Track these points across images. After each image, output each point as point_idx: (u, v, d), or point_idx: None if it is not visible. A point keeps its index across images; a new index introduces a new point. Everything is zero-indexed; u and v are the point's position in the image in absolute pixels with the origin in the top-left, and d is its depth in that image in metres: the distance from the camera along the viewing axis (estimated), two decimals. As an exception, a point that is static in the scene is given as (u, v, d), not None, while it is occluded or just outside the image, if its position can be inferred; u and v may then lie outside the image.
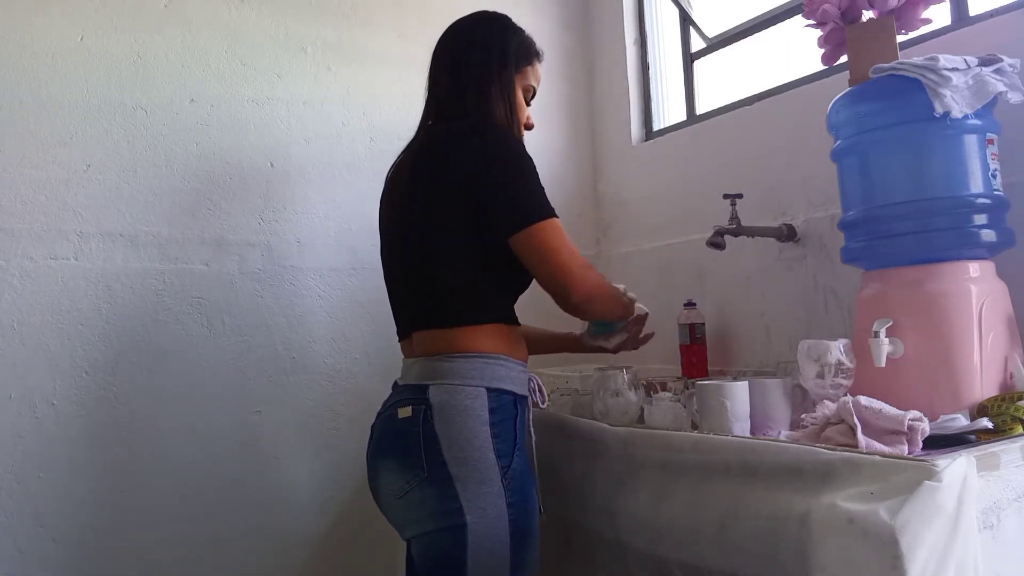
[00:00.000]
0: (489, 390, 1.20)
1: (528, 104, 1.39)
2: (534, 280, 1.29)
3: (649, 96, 2.36)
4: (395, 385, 1.33)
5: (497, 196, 1.21)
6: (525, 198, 1.22)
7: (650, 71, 2.37)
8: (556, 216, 1.23)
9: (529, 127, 1.40)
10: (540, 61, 1.41)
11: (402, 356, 1.37)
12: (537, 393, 1.33)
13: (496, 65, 1.33)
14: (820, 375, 1.25)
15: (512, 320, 1.30)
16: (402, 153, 1.38)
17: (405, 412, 1.20)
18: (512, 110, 1.33)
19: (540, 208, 1.22)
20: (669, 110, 2.34)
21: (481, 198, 1.21)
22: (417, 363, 1.26)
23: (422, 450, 1.17)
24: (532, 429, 1.33)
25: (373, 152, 2.04)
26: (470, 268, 1.24)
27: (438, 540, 1.16)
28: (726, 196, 1.78)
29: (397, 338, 1.38)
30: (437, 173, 1.24)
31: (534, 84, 1.39)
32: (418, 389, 1.21)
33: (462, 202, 1.22)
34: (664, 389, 1.51)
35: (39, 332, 1.60)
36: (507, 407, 1.22)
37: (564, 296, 1.23)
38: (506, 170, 1.22)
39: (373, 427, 1.31)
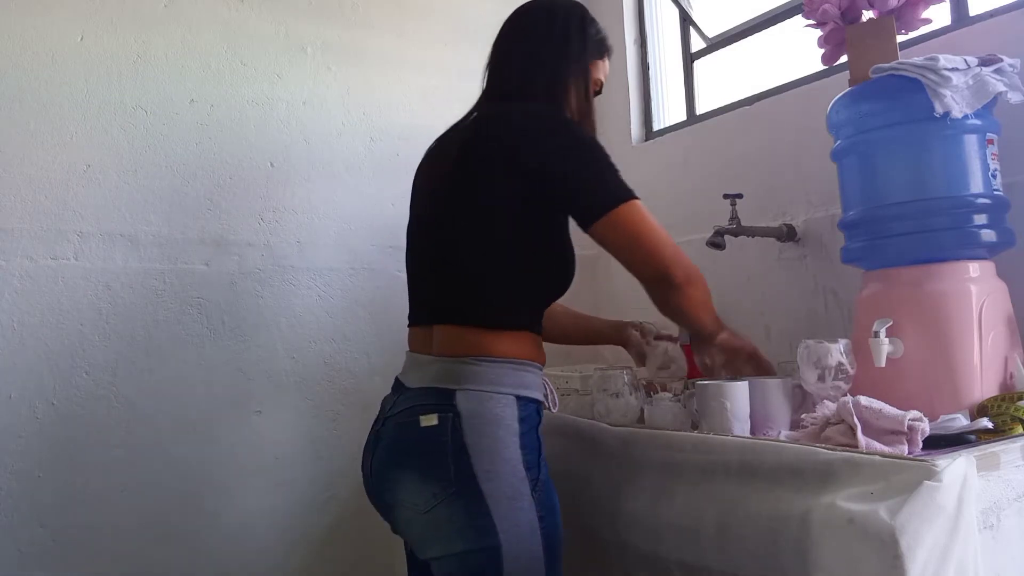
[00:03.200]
0: (518, 398, 1.13)
1: (596, 95, 1.32)
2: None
3: (649, 96, 2.36)
4: (401, 385, 1.23)
5: (573, 185, 1.14)
6: (603, 183, 1.14)
7: (650, 71, 2.36)
8: (636, 197, 1.14)
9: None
10: (609, 56, 1.34)
11: (407, 349, 1.28)
12: (549, 397, 1.27)
13: (575, 54, 1.26)
14: (821, 378, 1.24)
15: (539, 329, 1.23)
16: (450, 129, 1.30)
17: (430, 420, 1.11)
18: (587, 101, 1.26)
19: (620, 191, 1.14)
20: (669, 110, 2.34)
21: (554, 189, 1.14)
22: (437, 363, 1.16)
23: (450, 462, 1.08)
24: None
25: (373, 152, 2.04)
26: (515, 267, 1.17)
27: (469, 562, 1.08)
28: (726, 196, 1.78)
29: (408, 324, 1.29)
30: (498, 156, 1.15)
31: (602, 79, 1.32)
32: (442, 394, 1.12)
33: (523, 192, 1.14)
34: (664, 389, 1.51)
35: (39, 332, 1.60)
36: (532, 416, 1.15)
37: (662, 280, 1.13)
38: (582, 157, 1.15)
39: (379, 432, 1.21)
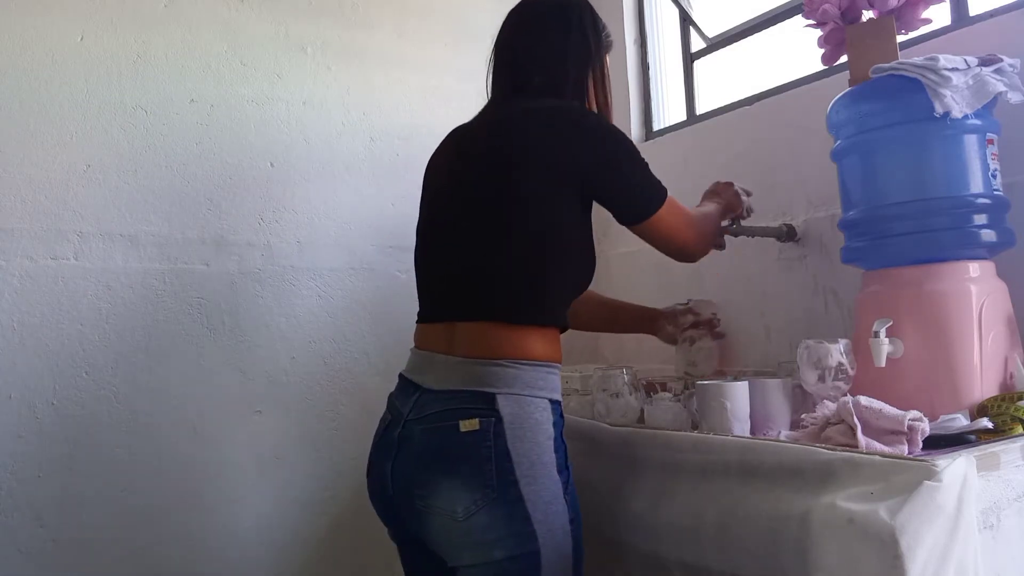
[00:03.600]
0: (551, 402, 1.14)
1: None
2: None
3: (649, 96, 2.36)
4: (416, 385, 1.17)
5: (620, 189, 1.21)
6: (643, 186, 1.23)
7: (650, 71, 2.36)
8: (667, 191, 1.25)
9: None
10: (609, 53, 1.35)
11: (415, 347, 1.25)
12: None
13: (594, 50, 1.28)
14: (821, 379, 1.24)
15: (565, 325, 1.23)
16: (470, 126, 1.29)
17: (471, 424, 1.08)
18: (606, 95, 1.29)
19: (658, 192, 1.24)
20: (669, 110, 2.34)
21: (595, 192, 1.20)
22: (468, 365, 1.13)
23: (493, 467, 1.06)
24: None
25: (373, 152, 2.04)
26: (548, 262, 1.17)
27: (508, 569, 1.07)
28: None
29: (419, 321, 1.26)
30: (537, 154, 1.16)
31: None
32: (482, 398, 1.09)
33: (563, 196, 1.16)
34: (664, 389, 1.51)
35: (39, 332, 1.60)
36: (559, 419, 1.16)
37: (687, 260, 1.37)
38: (621, 160, 1.20)
39: (401, 435, 1.15)
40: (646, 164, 1.23)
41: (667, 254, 1.33)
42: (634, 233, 1.27)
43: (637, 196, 1.23)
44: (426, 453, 1.12)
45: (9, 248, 1.59)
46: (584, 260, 1.23)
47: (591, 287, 1.31)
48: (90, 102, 1.69)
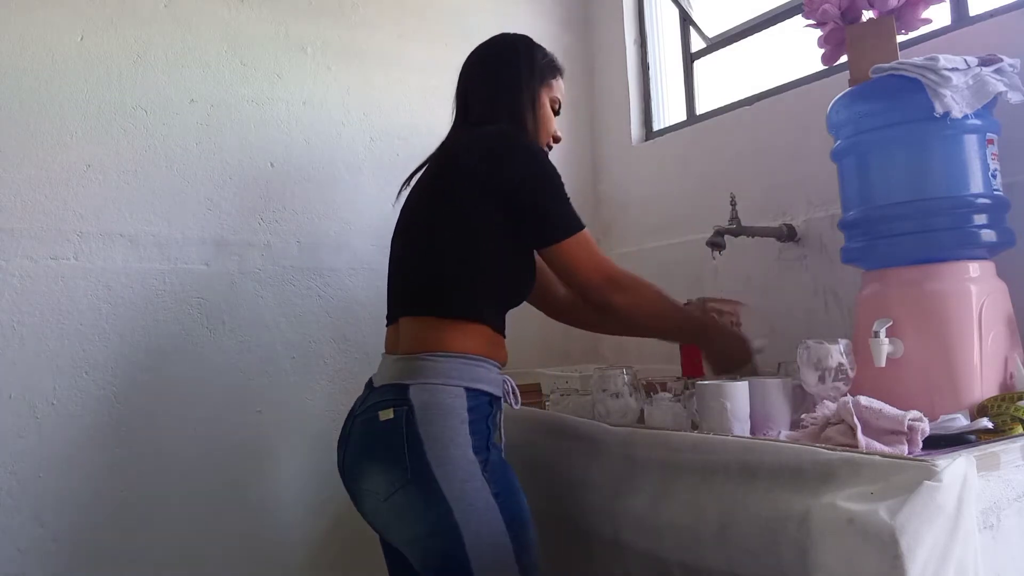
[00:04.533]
0: (468, 390, 1.22)
1: (556, 114, 1.46)
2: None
3: (649, 96, 2.36)
4: (371, 384, 1.32)
5: (528, 210, 1.27)
6: (555, 213, 1.28)
7: (650, 71, 2.37)
8: (583, 228, 1.29)
9: (557, 139, 1.47)
10: (562, 76, 1.48)
11: (383, 351, 1.37)
12: (511, 395, 1.33)
13: (525, 80, 1.40)
14: (821, 379, 1.24)
15: (499, 328, 1.32)
16: (433, 154, 1.43)
17: (387, 414, 1.21)
18: (539, 122, 1.41)
19: (569, 223, 1.28)
20: (669, 110, 2.34)
21: (512, 209, 1.27)
22: (398, 362, 1.27)
23: (405, 451, 1.17)
24: (503, 429, 1.33)
25: (373, 152, 2.04)
26: (476, 265, 1.27)
27: (434, 544, 1.17)
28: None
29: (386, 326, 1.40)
30: (463, 173, 1.29)
31: (559, 96, 1.46)
32: (398, 389, 1.22)
33: (484, 206, 1.26)
34: (664, 389, 1.51)
35: (39, 332, 1.60)
36: (483, 407, 1.24)
37: (594, 303, 1.31)
38: (537, 185, 1.28)
39: (349, 430, 1.31)
40: (567, 197, 1.30)
41: (571, 287, 1.35)
42: (543, 259, 1.31)
43: (548, 220, 1.28)
44: (358, 443, 1.28)
45: (9, 248, 1.59)
46: (513, 269, 1.31)
47: None
48: (90, 102, 1.69)
